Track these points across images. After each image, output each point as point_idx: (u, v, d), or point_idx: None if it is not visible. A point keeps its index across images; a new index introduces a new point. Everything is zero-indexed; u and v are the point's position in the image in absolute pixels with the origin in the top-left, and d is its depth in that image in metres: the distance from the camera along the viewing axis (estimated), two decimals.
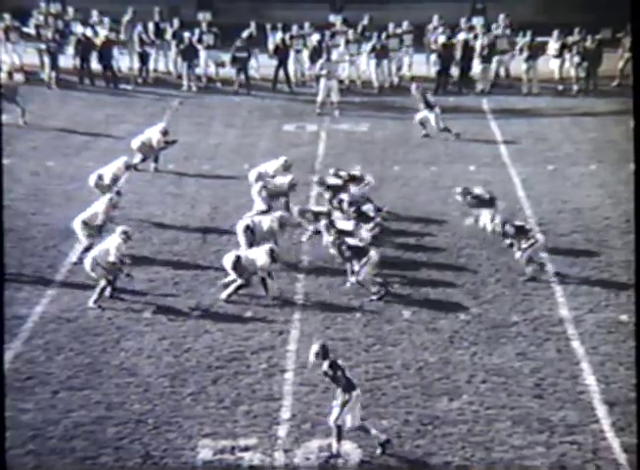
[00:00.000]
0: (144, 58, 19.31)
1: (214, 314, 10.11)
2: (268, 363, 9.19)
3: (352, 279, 10.56)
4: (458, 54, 18.95)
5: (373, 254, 10.55)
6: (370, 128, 16.93)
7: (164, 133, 14.23)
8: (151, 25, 19.63)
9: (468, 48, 18.95)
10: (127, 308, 10.20)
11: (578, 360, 9.25)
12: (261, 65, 19.65)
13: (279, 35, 19.34)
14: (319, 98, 17.43)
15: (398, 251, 11.77)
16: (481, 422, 8.28)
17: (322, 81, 17.49)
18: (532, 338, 9.66)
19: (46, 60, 18.77)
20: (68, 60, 19.26)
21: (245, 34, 19.22)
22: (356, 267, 10.49)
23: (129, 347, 9.43)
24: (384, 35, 19.34)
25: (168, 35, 19.58)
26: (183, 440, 8.07)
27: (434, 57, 19.27)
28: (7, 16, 18.91)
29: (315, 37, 19.06)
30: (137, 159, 14.04)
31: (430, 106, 15.92)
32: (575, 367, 9.13)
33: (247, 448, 7.98)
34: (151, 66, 19.63)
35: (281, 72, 19.28)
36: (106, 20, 19.43)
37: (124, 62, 19.69)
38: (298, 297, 10.56)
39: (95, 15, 19.61)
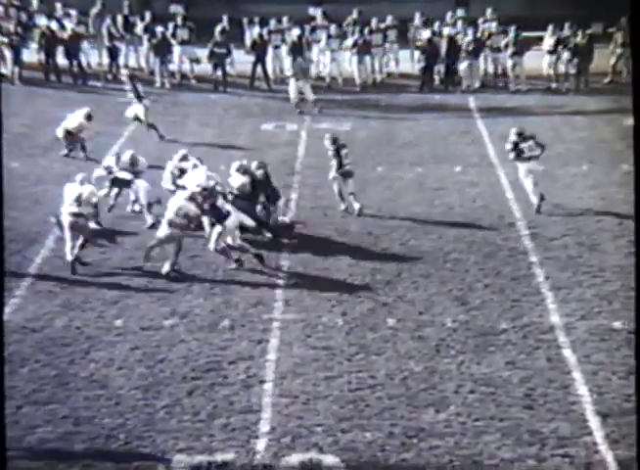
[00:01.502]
0: (113, 53, 19.24)
1: (190, 323, 10.09)
2: (246, 374, 9.17)
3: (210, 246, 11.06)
4: (443, 50, 19.08)
5: (230, 221, 10.96)
6: (352, 128, 16.98)
7: (89, 118, 14.11)
8: (120, 19, 19.56)
9: (453, 44, 19.08)
10: (97, 317, 10.14)
11: (570, 369, 9.31)
12: (237, 61, 19.66)
13: (256, 30, 19.37)
14: (291, 99, 17.35)
15: (381, 255, 11.82)
16: (469, 434, 8.31)
17: (291, 81, 17.47)
18: (522, 346, 9.72)
19: (8, 54, 18.61)
20: (32, 54, 19.13)
21: (218, 29, 19.21)
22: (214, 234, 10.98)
23: (99, 357, 9.38)
24: (366, 30, 19.43)
25: (139, 29, 19.52)
26: (157, 455, 8.03)
27: (417, 53, 19.39)
28: None
29: (295, 32, 19.09)
30: (64, 150, 13.88)
31: (139, 97, 15.64)
32: (567, 377, 9.19)
33: (224, 464, 7.96)
34: (121, 61, 19.56)
35: (259, 69, 19.30)
36: (73, 12, 19.32)
37: (93, 57, 19.61)
38: (278, 304, 10.56)
39: (59, 7, 19.48)
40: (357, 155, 15.57)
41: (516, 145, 13.05)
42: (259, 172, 12.25)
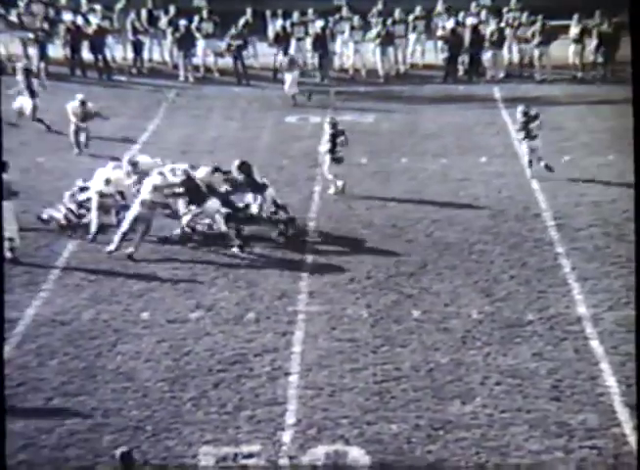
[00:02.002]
0: (138, 47, 19.32)
1: (215, 315, 10.13)
2: (272, 366, 9.20)
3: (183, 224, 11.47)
4: (467, 40, 18.95)
5: (208, 205, 11.33)
6: (376, 119, 16.93)
7: (83, 104, 14.14)
8: (144, 13, 19.63)
9: (477, 34, 18.93)
10: (124, 310, 10.22)
11: (597, 361, 9.23)
12: (261, 53, 19.66)
13: (279, 22, 19.35)
14: (286, 91, 17.35)
15: (406, 247, 11.79)
16: (496, 426, 8.28)
17: (285, 74, 17.44)
18: (549, 337, 9.66)
19: (34, 50, 18.76)
20: (57, 49, 19.27)
21: (241, 22, 19.23)
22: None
23: (126, 350, 9.45)
24: (389, 21, 19.34)
25: (163, 23, 19.58)
26: (183, 447, 8.09)
27: (441, 44, 19.27)
28: None
29: (319, 24, 19.04)
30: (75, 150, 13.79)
31: (32, 93, 15.34)
32: (594, 368, 9.12)
33: (250, 455, 8.00)
34: (145, 55, 19.64)
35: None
36: (98, 7, 19.42)
37: (118, 52, 19.70)
38: (302, 296, 10.58)
39: (85, 2, 19.58)
40: (381, 146, 15.55)
41: (526, 124, 13.33)
42: (240, 177, 12.10)
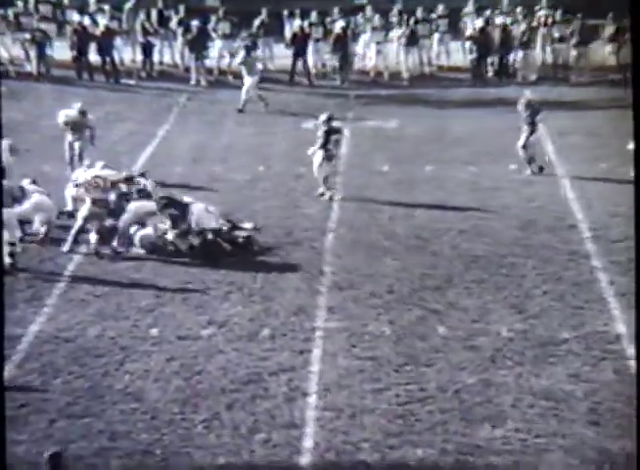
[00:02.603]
0: (147, 49, 19.49)
1: (228, 332, 10.18)
2: (288, 386, 9.22)
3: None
4: (496, 40, 18.98)
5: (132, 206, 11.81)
6: (400, 125, 16.99)
7: (82, 114, 13.90)
8: (154, 13, 19.82)
9: (507, 33, 18.96)
10: (132, 326, 10.29)
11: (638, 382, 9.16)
12: (277, 55, 19.80)
13: (297, 23, 19.47)
14: (242, 96, 17.35)
15: (431, 259, 11.78)
16: (530, 452, 8.24)
17: (245, 77, 17.41)
18: (586, 357, 9.61)
19: (32, 51, 18.96)
20: (63, 51, 19.48)
21: (256, 22, 19.38)
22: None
23: (134, 369, 9.51)
24: (412, 20, 19.41)
25: (173, 24, 19.77)
26: None
27: (469, 44, 19.32)
28: None
29: (339, 24, 19.15)
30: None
31: None
32: (635, 390, 9.04)
33: None
34: (155, 58, 19.82)
35: (299, 64, 19.41)
36: (106, 7, 19.62)
37: (127, 54, 19.90)
38: (321, 311, 10.60)
39: (93, 2, 19.79)
40: (404, 153, 15.58)
41: (532, 117, 13.75)
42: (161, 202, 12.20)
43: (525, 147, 14.11)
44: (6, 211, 11.41)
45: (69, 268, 11.56)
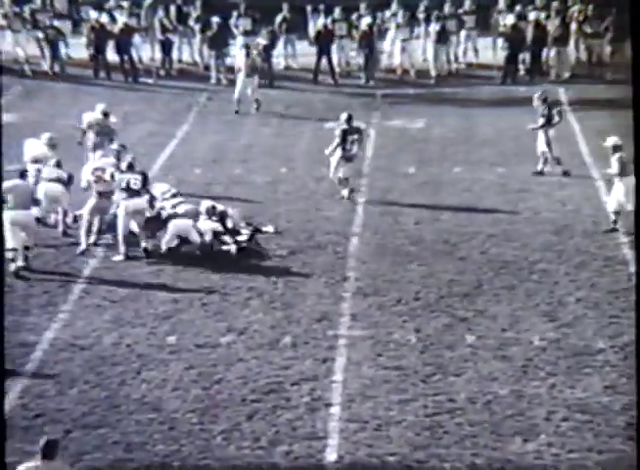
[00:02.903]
0: (166, 47, 19.55)
1: (248, 340, 10.17)
2: (311, 396, 9.18)
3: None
4: (529, 36, 18.86)
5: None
6: (426, 124, 16.93)
7: (105, 115, 13.93)
8: (173, 10, 19.88)
9: (540, 29, 18.83)
10: (149, 334, 10.31)
11: None
12: (301, 53, 19.80)
13: (320, 21, 19.43)
14: (235, 96, 17.19)
15: (459, 265, 11.70)
16: (563, 467, 8.14)
17: (240, 77, 17.21)
18: (623, 368, 9.50)
19: (46, 50, 19.09)
20: (79, 49, 19.60)
21: (278, 19, 19.40)
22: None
23: (152, 377, 9.51)
24: (433, 16, 19.30)
25: (192, 20, 19.82)
26: None
27: (500, 41, 19.21)
28: (6, 1, 19.31)
29: (365, 21, 19.12)
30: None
31: None
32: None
33: None
34: (174, 55, 19.88)
35: (323, 62, 19.39)
36: (125, 4, 19.69)
37: (145, 52, 19.97)
38: (344, 319, 10.56)
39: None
40: (431, 154, 15.51)
41: (549, 111, 13.74)
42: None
43: (548, 145, 14.00)
44: (25, 214, 11.56)
45: (85, 273, 11.60)
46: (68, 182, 12.46)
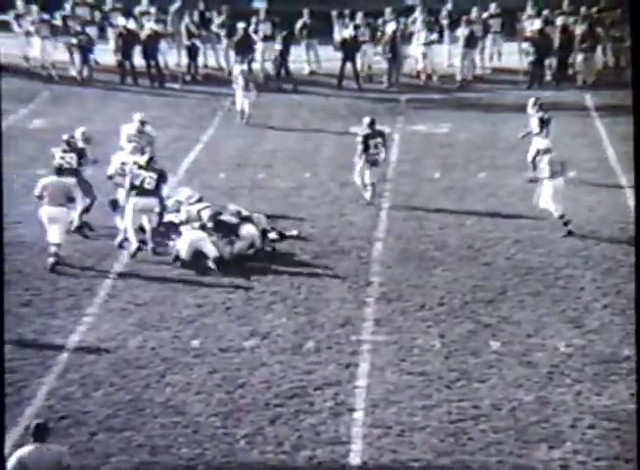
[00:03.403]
0: (192, 52, 19.66)
1: (272, 344, 10.18)
2: (334, 401, 9.18)
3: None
4: (556, 41, 18.77)
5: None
6: (451, 129, 16.88)
7: (142, 124, 13.81)
8: (196, 15, 19.99)
9: (567, 34, 18.73)
10: (173, 337, 10.35)
11: None
12: (325, 58, 19.82)
13: (347, 31, 19.40)
14: (237, 107, 16.98)
15: (484, 271, 11.65)
16: None
17: (238, 91, 16.97)
18: None
19: (77, 56, 19.26)
20: (106, 55, 19.76)
21: (298, 24, 19.44)
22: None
23: (176, 381, 9.55)
24: (463, 20, 19.25)
25: (215, 26, 19.92)
26: None
27: (526, 45, 19.13)
28: (35, 7, 19.53)
29: (390, 27, 19.11)
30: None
31: None
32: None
33: None
34: (200, 61, 19.98)
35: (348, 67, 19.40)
36: (152, 10, 19.82)
37: (171, 57, 20.09)
38: (368, 324, 10.55)
39: (146, 4, 19.90)
40: (456, 159, 15.46)
41: (542, 119, 13.86)
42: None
43: (538, 153, 13.85)
44: (59, 210, 11.73)
45: (110, 277, 11.68)
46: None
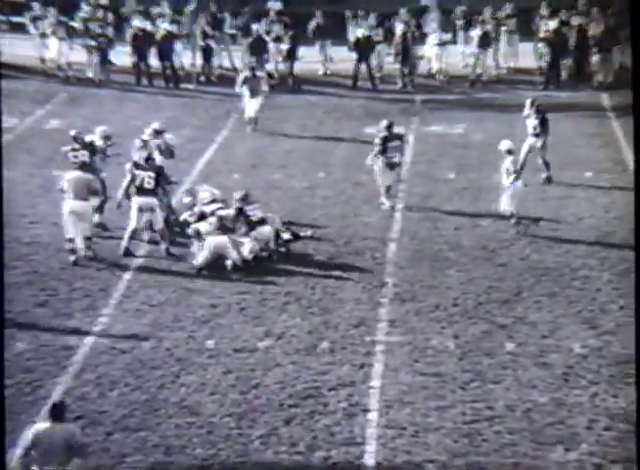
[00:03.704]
0: (207, 53, 19.71)
1: (286, 345, 10.19)
2: (348, 402, 9.18)
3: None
4: (572, 42, 18.68)
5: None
6: (466, 130, 16.84)
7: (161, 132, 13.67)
8: (209, 17, 20.03)
9: (583, 34, 18.65)
10: (188, 338, 10.38)
11: None
12: (339, 58, 19.82)
13: (361, 30, 19.38)
14: (246, 114, 16.77)
15: (499, 271, 11.61)
16: None
17: (245, 97, 16.76)
18: None
19: (95, 57, 19.35)
20: (122, 57, 19.82)
21: (311, 25, 19.45)
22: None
23: (190, 382, 9.58)
24: (477, 20, 19.19)
25: (227, 27, 19.96)
26: None
27: (542, 46, 19.06)
28: (53, 10, 19.64)
29: (400, 28, 19.10)
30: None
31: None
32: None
33: None
34: (215, 62, 20.03)
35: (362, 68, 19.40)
36: (167, 11, 19.87)
37: (186, 58, 20.15)
38: (382, 325, 10.54)
39: (166, 6, 19.95)
40: (471, 160, 15.43)
41: (543, 120, 13.83)
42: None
43: (527, 154, 13.96)
44: (82, 204, 11.97)
45: (125, 277, 11.72)
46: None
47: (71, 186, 12.00)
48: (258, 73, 17.35)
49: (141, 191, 12.06)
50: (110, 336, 10.37)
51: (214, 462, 8.37)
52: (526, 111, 14.34)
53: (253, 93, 16.65)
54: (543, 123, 14.08)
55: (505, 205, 12.68)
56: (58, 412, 7.47)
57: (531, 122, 14.22)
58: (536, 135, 14.06)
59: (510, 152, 12.78)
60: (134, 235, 12.15)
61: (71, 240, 11.91)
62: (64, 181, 12.15)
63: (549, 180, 14.18)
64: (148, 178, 12.07)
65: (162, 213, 12.23)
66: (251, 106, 16.72)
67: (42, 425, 7.48)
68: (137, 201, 12.09)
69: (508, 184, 12.60)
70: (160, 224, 12.15)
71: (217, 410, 9.09)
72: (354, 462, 8.34)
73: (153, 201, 12.07)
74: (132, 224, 12.13)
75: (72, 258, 11.86)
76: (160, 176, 12.20)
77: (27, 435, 7.43)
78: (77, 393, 9.35)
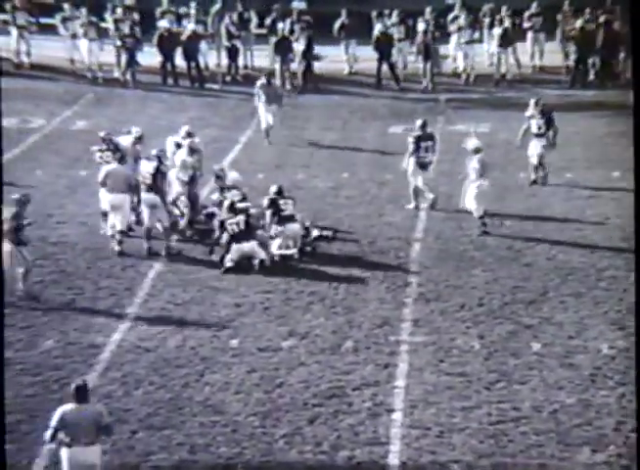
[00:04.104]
0: (232, 53, 19.75)
1: (310, 344, 10.18)
2: (373, 401, 9.15)
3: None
4: (599, 39, 18.52)
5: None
6: (491, 129, 16.75)
7: (189, 135, 13.54)
8: (235, 16, 20.07)
9: (611, 32, 18.47)
10: (212, 337, 10.40)
11: None
12: (364, 58, 19.79)
13: (378, 27, 19.36)
14: (262, 125, 16.32)
15: (524, 271, 11.53)
16: None
17: (261, 106, 16.28)
18: None
19: (123, 57, 19.46)
20: (148, 57, 19.91)
21: (337, 24, 19.43)
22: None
23: (215, 380, 9.60)
24: (498, 19, 19.07)
25: (253, 26, 19.99)
26: None
27: (569, 44, 18.91)
28: (83, 11, 19.78)
29: (421, 27, 19.03)
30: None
31: None
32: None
33: None
34: (240, 62, 20.07)
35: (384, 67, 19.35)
36: (193, 11, 19.93)
37: (211, 58, 20.21)
38: (406, 324, 10.50)
39: (193, 6, 20.01)
40: (496, 159, 15.31)
41: (546, 120, 13.75)
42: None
43: (541, 157, 13.81)
44: (120, 198, 12.02)
45: (150, 276, 11.77)
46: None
47: (110, 179, 12.08)
48: (273, 82, 17.27)
49: (145, 188, 12.13)
50: (135, 334, 10.41)
51: (239, 461, 8.37)
52: (531, 111, 14.15)
53: (270, 101, 16.32)
54: (548, 124, 13.90)
55: (469, 203, 12.57)
56: (82, 394, 7.58)
57: (536, 123, 14.03)
58: (541, 135, 13.89)
59: (477, 151, 12.68)
60: (150, 234, 12.16)
61: (118, 230, 12.03)
62: (102, 173, 12.24)
63: (543, 181, 13.93)
64: (147, 174, 12.11)
65: (166, 210, 12.20)
66: (267, 114, 16.30)
67: (68, 406, 7.58)
68: (143, 197, 12.17)
69: (472, 183, 12.51)
70: (166, 223, 12.16)
71: (242, 409, 9.09)
72: (379, 462, 8.31)
73: (155, 197, 12.07)
74: (145, 223, 12.20)
75: (117, 248, 12.03)
76: (158, 173, 12.17)
77: (54, 415, 7.52)
78: (103, 391, 9.39)
